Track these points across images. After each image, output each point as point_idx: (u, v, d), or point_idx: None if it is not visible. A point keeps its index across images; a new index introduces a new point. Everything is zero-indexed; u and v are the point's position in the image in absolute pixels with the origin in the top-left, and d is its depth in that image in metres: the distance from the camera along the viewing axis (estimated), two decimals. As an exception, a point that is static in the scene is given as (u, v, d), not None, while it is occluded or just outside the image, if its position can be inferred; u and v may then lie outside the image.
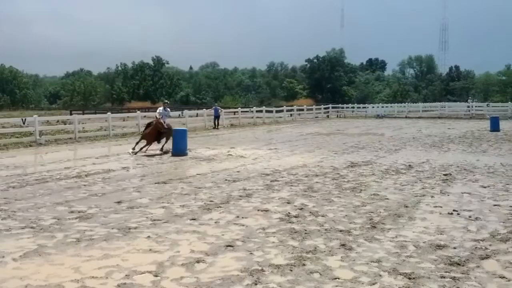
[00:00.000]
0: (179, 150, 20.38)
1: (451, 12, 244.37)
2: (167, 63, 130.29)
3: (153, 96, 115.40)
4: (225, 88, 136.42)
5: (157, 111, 22.70)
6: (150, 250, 7.49)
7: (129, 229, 8.68)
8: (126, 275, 6.40)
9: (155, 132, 21.44)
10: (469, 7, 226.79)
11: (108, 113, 35.43)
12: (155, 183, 13.55)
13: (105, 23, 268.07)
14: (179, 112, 44.54)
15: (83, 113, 62.81)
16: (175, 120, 36.01)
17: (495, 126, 35.50)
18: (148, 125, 22.62)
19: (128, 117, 44.53)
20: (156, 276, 6.41)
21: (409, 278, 6.25)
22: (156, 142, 21.68)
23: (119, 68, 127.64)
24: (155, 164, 17.67)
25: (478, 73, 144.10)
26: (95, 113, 61.83)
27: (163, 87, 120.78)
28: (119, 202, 10.91)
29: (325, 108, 70.98)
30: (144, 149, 21.17)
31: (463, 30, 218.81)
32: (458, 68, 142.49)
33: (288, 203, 10.81)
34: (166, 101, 27.59)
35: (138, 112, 38.53)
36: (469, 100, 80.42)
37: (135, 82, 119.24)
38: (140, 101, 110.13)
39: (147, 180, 14.18)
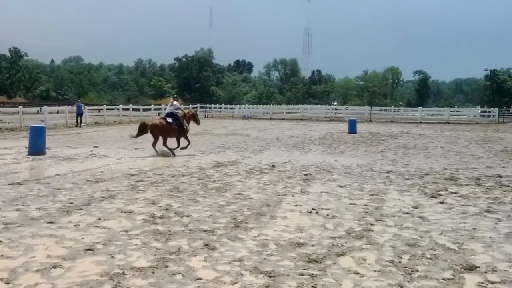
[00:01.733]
0: (36, 149, 19.17)
1: (314, 18, 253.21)
2: (26, 56, 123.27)
3: (9, 90, 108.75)
4: (89, 84, 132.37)
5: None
6: (2, 256, 7.00)
7: (-21, 234, 8.08)
8: (-24, 283, 5.99)
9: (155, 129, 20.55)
10: (332, 13, 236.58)
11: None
12: (9, 184, 12.60)
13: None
14: (38, 109, 42.63)
15: None
16: (34, 116, 34.36)
17: (352, 128, 37.29)
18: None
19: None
20: (8, 283, 6.01)
21: (269, 276, 6.37)
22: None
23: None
24: (9, 164, 16.54)
25: (338, 78, 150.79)
26: None
27: (21, 81, 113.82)
28: (-31, 205, 10.15)
29: (193, 108, 70.97)
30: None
31: (325, 35, 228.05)
32: (320, 72, 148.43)
33: (153, 203, 10.64)
34: (175, 95, 27.14)
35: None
36: (334, 103, 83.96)
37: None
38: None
39: None
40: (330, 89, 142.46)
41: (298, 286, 6.06)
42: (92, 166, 16.29)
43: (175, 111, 21.41)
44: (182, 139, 21.14)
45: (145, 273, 6.44)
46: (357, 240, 8.09)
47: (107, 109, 50.50)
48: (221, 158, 19.38)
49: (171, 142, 20.56)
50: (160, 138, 20.34)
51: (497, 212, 10.25)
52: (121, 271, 6.48)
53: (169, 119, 20.88)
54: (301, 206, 10.68)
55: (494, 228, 9.01)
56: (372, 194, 12.18)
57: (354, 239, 8.15)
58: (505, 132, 42.20)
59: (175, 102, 22.13)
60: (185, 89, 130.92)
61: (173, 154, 19.95)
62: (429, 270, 6.71)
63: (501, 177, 15.24)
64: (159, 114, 58.61)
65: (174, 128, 20.79)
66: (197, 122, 22.82)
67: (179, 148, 20.77)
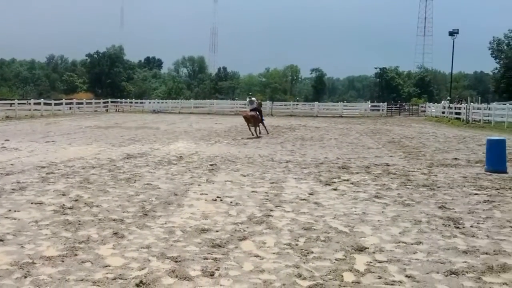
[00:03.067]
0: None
1: (221, 18, 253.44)
2: None
3: None
4: (1, 79, 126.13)
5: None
6: None
7: None
8: None
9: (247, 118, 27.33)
10: (237, 14, 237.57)
11: None
12: None
13: None
14: None
15: None
16: None
17: (255, 121, 37.53)
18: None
19: None
20: None
21: (176, 261, 6.32)
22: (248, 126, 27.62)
23: None
24: None
25: (242, 74, 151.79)
26: None
27: None
28: None
29: (104, 102, 69.25)
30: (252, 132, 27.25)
31: (231, 35, 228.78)
32: (225, 69, 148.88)
33: (63, 195, 10.28)
34: (250, 93, 35.71)
35: None
36: (248, 98, 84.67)
37: None
38: None
39: None
40: (235, 85, 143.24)
41: (202, 270, 6.04)
42: (2, 159, 15.54)
43: (256, 107, 28.60)
44: (261, 126, 28.25)
45: (55, 261, 6.22)
46: (257, 225, 8.17)
47: (18, 103, 48.26)
48: (131, 150, 19.03)
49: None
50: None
51: (384, 198, 10.63)
52: (30, 260, 6.24)
53: (257, 112, 27.86)
54: (206, 194, 10.66)
55: (382, 212, 9.33)
56: (272, 182, 12.33)
57: (255, 224, 8.22)
58: (392, 125, 43.88)
59: (254, 99, 30.28)
60: (97, 84, 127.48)
61: (258, 135, 27.01)
62: (323, 251, 6.87)
63: (388, 165, 15.83)
64: (70, 108, 56.87)
65: (259, 119, 27.64)
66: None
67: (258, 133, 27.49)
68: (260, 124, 28.01)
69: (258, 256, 6.64)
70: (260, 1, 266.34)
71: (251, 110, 28.01)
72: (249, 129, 27.44)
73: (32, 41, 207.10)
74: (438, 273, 6.10)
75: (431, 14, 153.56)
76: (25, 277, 5.72)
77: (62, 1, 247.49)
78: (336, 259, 6.55)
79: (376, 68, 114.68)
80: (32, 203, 9.49)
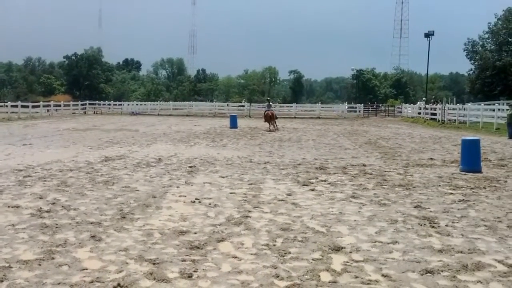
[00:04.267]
0: None
1: (199, 20, 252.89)
2: None
3: None
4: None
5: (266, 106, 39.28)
6: None
7: None
8: None
9: (268, 117, 35.54)
10: (215, 17, 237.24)
11: None
12: None
13: None
14: None
15: None
16: None
17: (233, 123, 37.63)
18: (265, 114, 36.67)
19: None
20: None
21: (154, 264, 6.28)
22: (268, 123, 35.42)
23: None
24: None
25: (221, 76, 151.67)
26: None
27: None
28: None
29: (82, 105, 68.69)
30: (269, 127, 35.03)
31: (210, 37, 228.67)
32: (204, 71, 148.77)
33: (40, 198, 10.17)
34: (268, 98, 42.58)
35: None
36: (271, 100, 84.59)
37: None
38: None
39: None
40: (214, 87, 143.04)
41: (181, 271, 6.02)
42: (-22, 163, 15.32)
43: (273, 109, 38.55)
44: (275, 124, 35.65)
45: (32, 265, 6.14)
46: (236, 227, 8.16)
47: (-5, 106, 47.68)
48: (109, 152, 18.88)
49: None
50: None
51: (361, 198, 10.69)
52: (7, 264, 6.14)
53: (273, 113, 36.34)
54: (185, 196, 10.62)
55: (359, 212, 9.38)
56: (251, 184, 12.32)
57: (233, 226, 8.21)
58: (369, 125, 44.19)
59: (271, 103, 40.25)
60: (75, 86, 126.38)
61: (276, 128, 35.23)
62: (300, 251, 6.89)
63: (365, 166, 15.93)
64: (48, 111, 56.26)
65: (274, 117, 35.68)
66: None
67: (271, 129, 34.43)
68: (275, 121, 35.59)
69: (236, 257, 6.62)
70: (239, 3, 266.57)
71: (266, 112, 36.60)
72: (269, 125, 35.19)
73: (9, 43, 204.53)
74: (414, 272, 6.15)
75: (407, 16, 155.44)
76: (1, 281, 5.64)
77: (39, 3, 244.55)
78: (313, 259, 6.57)
79: (353, 69, 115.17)
80: (9, 206, 9.35)
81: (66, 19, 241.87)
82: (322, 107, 71.77)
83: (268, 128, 35.05)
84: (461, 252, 6.97)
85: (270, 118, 35.37)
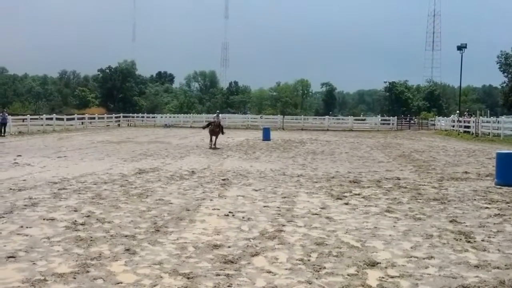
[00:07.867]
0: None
1: (232, 33, 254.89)
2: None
3: None
4: (14, 95, 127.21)
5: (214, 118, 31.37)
6: None
7: None
8: None
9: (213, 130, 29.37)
10: (248, 29, 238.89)
11: None
12: None
13: None
14: None
15: None
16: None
17: (266, 136, 37.62)
18: (208, 124, 30.90)
19: None
20: None
21: (188, 278, 6.27)
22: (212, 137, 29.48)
23: None
24: None
25: (253, 89, 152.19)
26: None
27: None
28: None
29: (116, 117, 69.59)
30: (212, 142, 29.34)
31: (242, 49, 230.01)
32: (237, 83, 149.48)
33: (75, 211, 10.27)
34: (218, 111, 37.12)
35: None
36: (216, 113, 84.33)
37: None
38: None
39: None
40: (246, 99, 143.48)
41: (215, 286, 5.99)
42: (15, 175, 15.58)
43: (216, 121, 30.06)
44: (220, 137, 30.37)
45: (67, 278, 6.19)
46: (270, 241, 8.10)
47: (31, 118, 48.59)
48: (143, 165, 19.03)
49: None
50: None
51: (395, 212, 10.55)
52: (42, 277, 6.21)
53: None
54: (218, 209, 10.62)
55: (393, 226, 9.26)
56: (284, 197, 12.27)
57: (267, 240, 8.16)
58: (402, 138, 43.72)
59: (220, 116, 33.19)
60: (109, 99, 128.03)
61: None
62: (335, 267, 6.81)
63: (399, 179, 15.73)
64: (82, 123, 57.16)
65: (218, 131, 29.62)
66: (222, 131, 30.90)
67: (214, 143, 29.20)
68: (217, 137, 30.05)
69: (270, 272, 6.57)
70: (271, 17, 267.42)
71: (213, 124, 30.09)
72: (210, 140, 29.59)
73: (44, 57, 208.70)
74: (450, 288, 6.01)
75: (439, 29, 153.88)
76: (37, 294, 5.69)
77: (74, 17, 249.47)
78: (348, 275, 6.48)
79: (385, 82, 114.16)
80: (44, 219, 9.47)
81: (101, 33, 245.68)
82: (355, 120, 71.45)
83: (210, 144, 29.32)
84: (498, 267, 6.80)
85: (213, 132, 29.47)
